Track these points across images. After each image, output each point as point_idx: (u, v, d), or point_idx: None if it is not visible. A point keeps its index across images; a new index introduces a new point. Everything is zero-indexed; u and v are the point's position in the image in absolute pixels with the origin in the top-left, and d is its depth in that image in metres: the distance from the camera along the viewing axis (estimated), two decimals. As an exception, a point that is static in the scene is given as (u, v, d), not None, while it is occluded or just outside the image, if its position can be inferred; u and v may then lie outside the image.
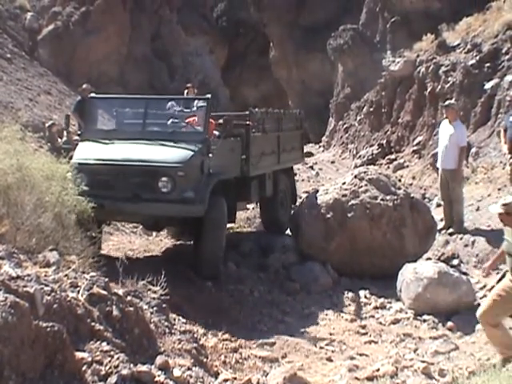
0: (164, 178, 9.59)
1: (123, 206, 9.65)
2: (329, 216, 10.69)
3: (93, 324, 4.81)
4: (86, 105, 10.68)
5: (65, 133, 18.66)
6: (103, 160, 9.89)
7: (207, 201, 9.69)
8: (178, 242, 12.37)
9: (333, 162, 25.78)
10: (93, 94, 11.68)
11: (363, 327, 9.08)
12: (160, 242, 12.53)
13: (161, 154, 9.85)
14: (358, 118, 26.42)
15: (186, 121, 11.03)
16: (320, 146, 30.26)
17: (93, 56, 27.52)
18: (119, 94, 25.25)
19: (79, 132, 17.37)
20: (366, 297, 10.11)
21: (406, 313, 9.45)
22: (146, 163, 9.70)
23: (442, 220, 12.32)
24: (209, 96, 10.85)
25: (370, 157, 22.26)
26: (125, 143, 10.21)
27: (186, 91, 17.85)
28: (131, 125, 11.13)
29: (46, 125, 18.57)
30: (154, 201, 9.60)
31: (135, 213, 9.92)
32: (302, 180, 13.52)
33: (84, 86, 17.65)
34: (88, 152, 10.19)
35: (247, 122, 11.47)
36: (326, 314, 9.51)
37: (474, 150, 15.51)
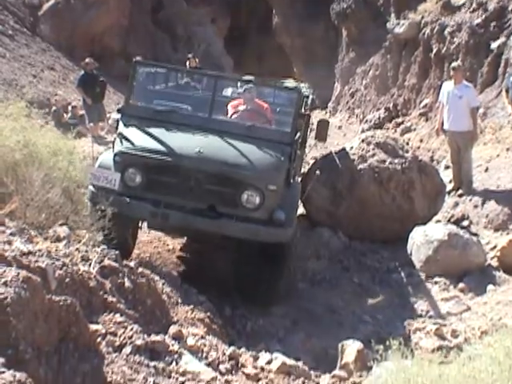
0: (250, 192, 7.57)
1: (195, 221, 7.51)
2: (337, 181, 10.66)
3: (105, 296, 4.84)
4: (130, 72, 8.67)
5: (70, 107, 18.73)
6: (168, 154, 7.62)
7: (295, 223, 7.91)
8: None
9: (340, 128, 25.67)
10: (138, 58, 9.46)
11: (375, 291, 9.12)
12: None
13: (247, 158, 7.72)
14: (364, 82, 26.26)
15: (230, 105, 9.17)
16: (326, 112, 30.14)
17: (94, 30, 27.45)
18: (123, 67, 25.31)
19: (83, 103, 17.48)
20: (376, 260, 10.15)
21: (418, 275, 9.48)
22: (229, 168, 7.54)
23: (450, 182, 12.29)
24: (299, 87, 9.21)
25: (377, 121, 22.17)
26: (193, 134, 7.97)
27: (187, 62, 17.83)
28: (193, 108, 8.96)
29: (52, 101, 18.63)
30: (234, 218, 7.53)
31: (210, 232, 7.70)
32: (309, 146, 13.43)
33: (87, 59, 17.71)
34: (142, 139, 7.88)
35: (307, 112, 9.50)
36: (338, 279, 9.55)
37: (481, 110, 15.41)
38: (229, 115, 8.98)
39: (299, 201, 9.03)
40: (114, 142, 8.18)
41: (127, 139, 7.89)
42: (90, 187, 7.60)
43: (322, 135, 9.27)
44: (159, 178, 7.64)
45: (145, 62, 9.67)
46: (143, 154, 7.64)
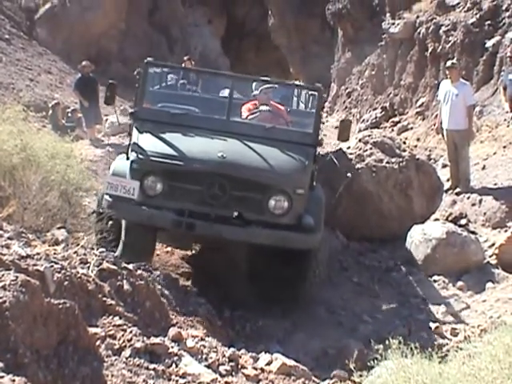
0: (277, 196, 7.24)
1: (223, 230, 7.12)
2: (335, 181, 10.63)
3: (104, 299, 4.84)
4: (140, 73, 8.11)
5: (68, 110, 18.73)
6: (190, 160, 7.23)
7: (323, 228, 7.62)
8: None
9: (337, 128, 25.61)
10: (149, 59, 8.55)
11: (374, 290, 9.11)
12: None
13: (272, 161, 7.43)
14: (360, 81, 26.25)
15: (244, 107, 8.75)
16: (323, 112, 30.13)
17: (91, 33, 27.48)
18: (120, 69, 25.33)
19: (80, 106, 17.45)
20: (375, 260, 10.14)
21: (416, 274, 9.47)
22: (255, 172, 7.25)
23: (448, 180, 12.30)
24: (319, 85, 8.73)
25: (374, 120, 22.15)
26: (211, 137, 7.60)
27: (183, 64, 17.81)
28: (209, 110, 8.42)
29: (50, 104, 18.62)
30: (262, 225, 7.19)
31: (238, 240, 7.32)
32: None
33: (83, 63, 17.69)
34: (160, 145, 7.45)
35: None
36: (337, 279, 9.54)
37: (478, 108, 15.43)
38: (243, 117, 8.58)
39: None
40: (127, 149, 7.84)
41: (144, 145, 7.45)
42: (106, 197, 7.22)
43: (344, 135, 8.92)
44: (181, 185, 7.23)
45: (156, 62, 9.11)
46: (163, 160, 7.22)
